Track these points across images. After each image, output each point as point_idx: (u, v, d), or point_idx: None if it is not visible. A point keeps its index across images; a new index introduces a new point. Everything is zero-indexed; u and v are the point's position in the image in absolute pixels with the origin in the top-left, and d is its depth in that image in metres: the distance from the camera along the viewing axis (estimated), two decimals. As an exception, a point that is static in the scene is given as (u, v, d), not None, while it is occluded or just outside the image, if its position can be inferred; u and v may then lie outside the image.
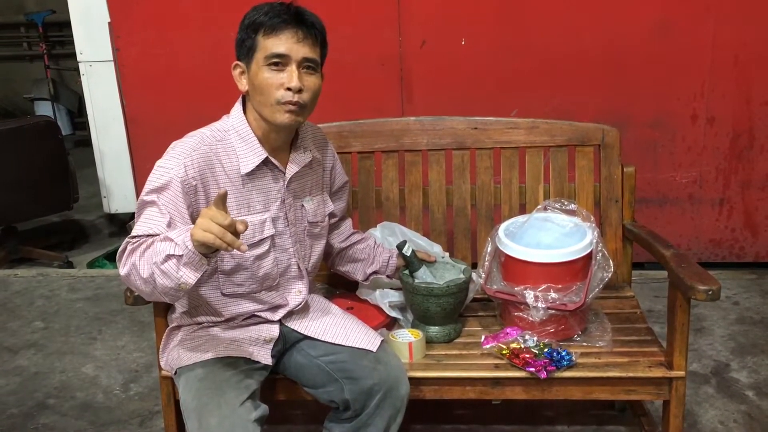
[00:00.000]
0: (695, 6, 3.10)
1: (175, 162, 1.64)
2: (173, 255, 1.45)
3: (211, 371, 1.68)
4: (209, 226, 1.39)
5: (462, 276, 1.99)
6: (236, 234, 1.42)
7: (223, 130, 1.72)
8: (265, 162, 1.72)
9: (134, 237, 1.59)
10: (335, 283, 2.26)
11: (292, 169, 1.77)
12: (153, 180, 1.63)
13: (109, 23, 3.43)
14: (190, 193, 1.63)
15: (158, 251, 1.47)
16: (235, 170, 1.70)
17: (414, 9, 3.18)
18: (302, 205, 1.82)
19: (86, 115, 4.19)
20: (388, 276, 2.07)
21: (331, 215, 1.96)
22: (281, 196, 1.76)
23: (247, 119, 1.72)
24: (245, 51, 1.67)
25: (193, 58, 3.32)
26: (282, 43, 1.63)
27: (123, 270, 1.56)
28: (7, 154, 3.74)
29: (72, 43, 4.08)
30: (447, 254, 2.15)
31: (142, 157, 3.53)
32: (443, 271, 2.06)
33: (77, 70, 4.11)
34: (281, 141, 1.75)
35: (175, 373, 1.78)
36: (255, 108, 1.70)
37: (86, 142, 5.08)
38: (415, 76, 3.26)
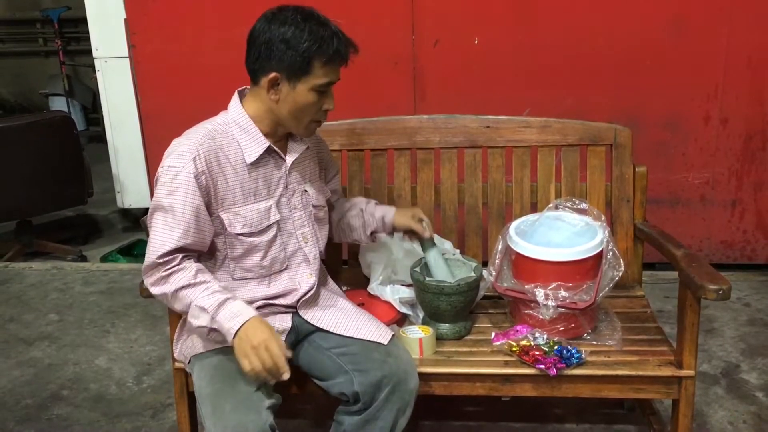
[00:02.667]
0: (709, 7, 3.09)
1: (185, 160, 1.68)
2: (210, 328, 1.64)
3: (225, 359, 1.71)
4: (259, 369, 1.57)
5: (473, 274, 2.00)
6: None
7: (224, 123, 1.77)
8: (268, 150, 1.78)
9: (162, 257, 1.66)
10: (346, 280, 2.27)
11: (292, 157, 1.83)
12: (166, 181, 1.68)
13: (125, 20, 3.46)
14: (202, 186, 1.69)
15: (195, 314, 1.64)
16: (239, 160, 1.75)
17: (427, 8, 3.19)
18: (305, 190, 1.88)
19: (100, 111, 4.22)
20: (388, 234, 2.06)
21: (333, 194, 2.05)
22: (284, 182, 1.82)
23: (246, 113, 1.76)
24: (293, 70, 1.67)
25: (209, 55, 3.34)
26: (335, 72, 1.72)
27: (154, 290, 1.70)
28: (23, 148, 3.78)
29: (87, 39, 4.11)
30: (458, 251, 2.17)
31: (156, 153, 3.51)
32: (454, 269, 2.07)
33: (92, 66, 4.14)
34: (284, 133, 1.82)
35: (189, 361, 1.81)
36: (280, 117, 1.74)
37: (100, 138, 5.14)
38: (428, 75, 3.27)
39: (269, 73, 1.69)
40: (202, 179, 1.69)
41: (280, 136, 1.81)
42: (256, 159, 1.76)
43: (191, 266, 1.68)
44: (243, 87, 1.82)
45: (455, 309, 1.96)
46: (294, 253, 1.85)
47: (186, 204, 1.67)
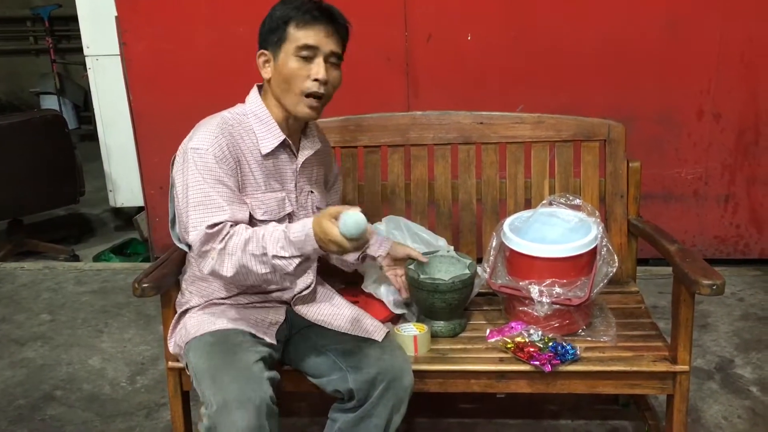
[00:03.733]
0: (702, 2, 3.09)
1: (210, 141, 1.67)
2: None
3: (221, 337, 1.72)
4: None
5: (467, 271, 2.00)
6: None
7: (242, 114, 1.78)
8: (283, 144, 1.78)
9: (211, 227, 1.61)
10: (341, 278, 2.26)
11: (304, 154, 1.84)
12: (197, 162, 1.65)
13: (116, 17, 3.44)
14: (230, 166, 1.69)
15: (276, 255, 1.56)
16: (254, 151, 1.75)
17: (420, 4, 3.18)
18: (311, 191, 1.88)
19: (92, 109, 4.20)
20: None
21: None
22: (294, 179, 1.83)
23: (265, 105, 1.78)
24: (274, 41, 1.71)
25: (200, 53, 3.32)
26: (312, 35, 1.69)
27: (228, 271, 1.59)
28: (15, 147, 3.76)
29: (78, 37, 4.09)
30: (452, 248, 2.16)
31: (148, 152, 3.54)
32: (448, 266, 2.06)
33: (83, 64, 4.12)
34: (297, 128, 1.83)
35: (184, 350, 1.79)
36: (277, 96, 1.75)
37: (92, 137, 5.12)
38: (421, 71, 3.26)
39: (259, 54, 1.73)
40: (229, 160, 1.69)
41: (292, 131, 1.81)
42: (271, 151, 1.76)
43: (238, 228, 1.63)
44: (260, 83, 1.83)
45: (450, 306, 1.96)
46: None
47: (220, 177, 1.66)
